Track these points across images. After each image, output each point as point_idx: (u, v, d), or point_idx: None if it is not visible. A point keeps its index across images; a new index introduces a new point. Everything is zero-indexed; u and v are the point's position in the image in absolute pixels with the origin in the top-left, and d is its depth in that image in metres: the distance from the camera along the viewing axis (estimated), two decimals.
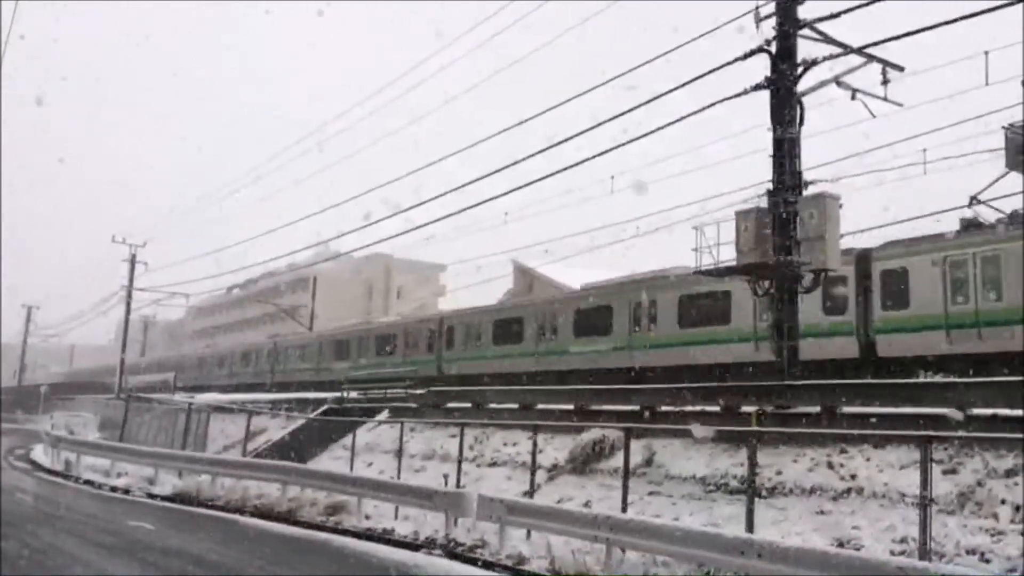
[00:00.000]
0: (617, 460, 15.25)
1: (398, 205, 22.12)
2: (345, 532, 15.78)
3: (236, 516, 18.16)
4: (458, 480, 17.16)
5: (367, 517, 16.72)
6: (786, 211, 15.90)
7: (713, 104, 15.86)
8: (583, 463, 17.13)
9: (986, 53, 16.37)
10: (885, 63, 16.15)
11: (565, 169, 17.96)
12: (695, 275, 18.75)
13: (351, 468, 20.41)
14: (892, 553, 10.38)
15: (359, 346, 39.22)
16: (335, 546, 14.67)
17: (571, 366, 25.74)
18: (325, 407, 28.61)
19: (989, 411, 12.84)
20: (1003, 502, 10.66)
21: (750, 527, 11.58)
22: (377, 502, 17.01)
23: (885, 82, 16.25)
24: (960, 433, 11.86)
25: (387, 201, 22.55)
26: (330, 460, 24.02)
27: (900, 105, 16.54)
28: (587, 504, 15.11)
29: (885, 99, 16.37)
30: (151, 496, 21.19)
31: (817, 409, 15.11)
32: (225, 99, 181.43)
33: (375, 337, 38.39)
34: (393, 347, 36.14)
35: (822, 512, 12.30)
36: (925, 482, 9.88)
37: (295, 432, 26.70)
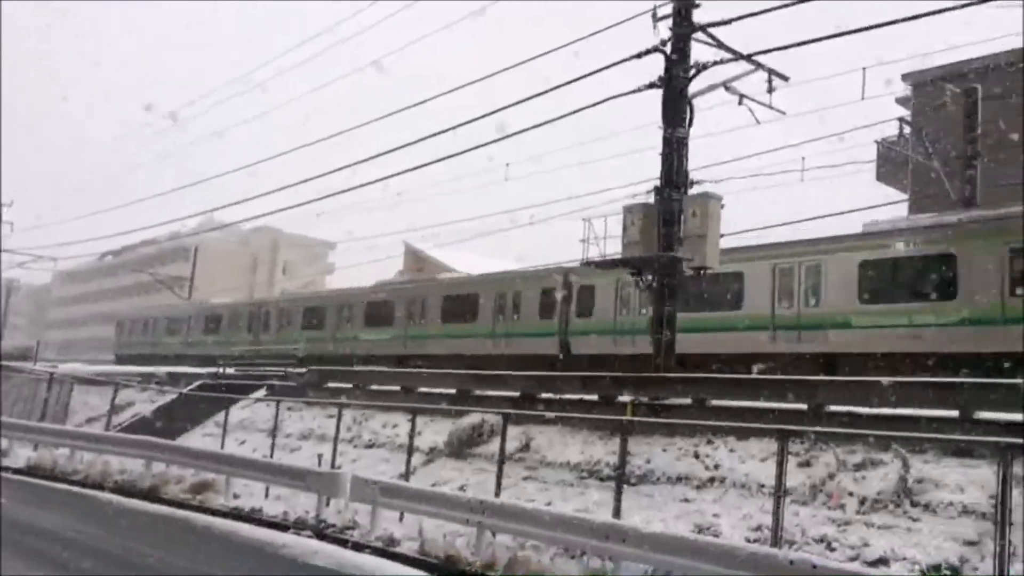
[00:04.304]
0: (495, 445, 15.35)
1: (287, 179, 21.55)
2: (211, 511, 15.25)
3: (95, 492, 17.26)
4: (333, 460, 16.89)
5: (236, 496, 16.25)
6: (671, 208, 16.36)
7: (607, 99, 16.19)
8: (461, 447, 17.16)
9: (863, 69, 17.35)
10: (771, 72, 16.79)
11: (458, 154, 18.01)
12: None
13: (222, 445, 19.76)
14: (747, 540, 10.86)
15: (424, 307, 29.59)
16: (199, 524, 14.12)
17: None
18: (199, 382, 27.64)
19: (844, 408, 13.68)
20: (851, 494, 11.32)
21: (617, 513, 11.91)
22: (247, 481, 16.53)
23: (771, 90, 16.91)
24: (816, 428, 12.50)
25: (272, 176, 21.79)
26: (201, 437, 23.21)
27: (783, 113, 17.29)
28: (463, 488, 15.13)
29: (770, 107, 17.05)
30: (1, 468, 19.90)
31: (689, 401, 15.69)
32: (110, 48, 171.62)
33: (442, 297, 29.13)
34: (474, 312, 27.27)
35: (686, 500, 12.74)
36: (780, 474, 10.38)
37: (164, 407, 25.70)
